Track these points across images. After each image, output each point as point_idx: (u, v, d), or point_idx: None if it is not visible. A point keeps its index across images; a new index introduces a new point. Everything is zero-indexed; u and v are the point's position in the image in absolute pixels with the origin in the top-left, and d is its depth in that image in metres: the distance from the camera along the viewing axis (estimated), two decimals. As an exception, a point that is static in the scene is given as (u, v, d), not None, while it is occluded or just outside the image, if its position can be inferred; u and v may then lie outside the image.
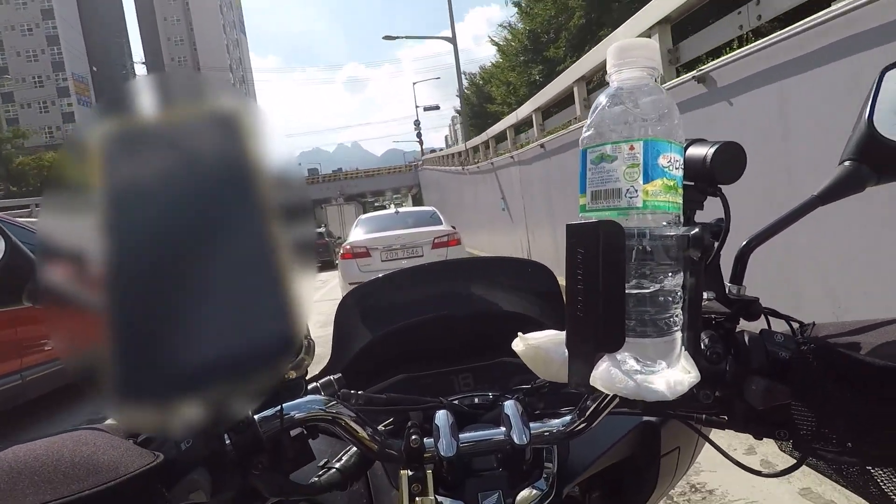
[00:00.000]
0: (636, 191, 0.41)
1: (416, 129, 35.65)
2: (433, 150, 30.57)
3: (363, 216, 8.04)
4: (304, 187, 0.39)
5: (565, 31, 14.21)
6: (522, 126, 10.75)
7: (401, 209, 8.48)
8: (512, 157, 9.59)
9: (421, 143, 35.92)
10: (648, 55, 0.42)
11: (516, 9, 17.19)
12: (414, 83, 36.98)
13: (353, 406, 0.56)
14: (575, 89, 7.06)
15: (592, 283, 0.39)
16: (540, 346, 0.49)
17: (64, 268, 0.36)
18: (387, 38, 18.58)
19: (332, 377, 0.59)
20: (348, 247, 6.64)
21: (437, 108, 38.57)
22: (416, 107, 36.23)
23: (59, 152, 0.37)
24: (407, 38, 20.33)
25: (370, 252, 6.51)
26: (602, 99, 0.43)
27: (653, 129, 0.41)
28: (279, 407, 0.50)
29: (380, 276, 0.89)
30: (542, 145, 7.67)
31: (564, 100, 8.21)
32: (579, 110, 7.09)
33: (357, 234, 6.97)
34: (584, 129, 0.44)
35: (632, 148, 0.41)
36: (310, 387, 0.58)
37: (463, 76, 28.66)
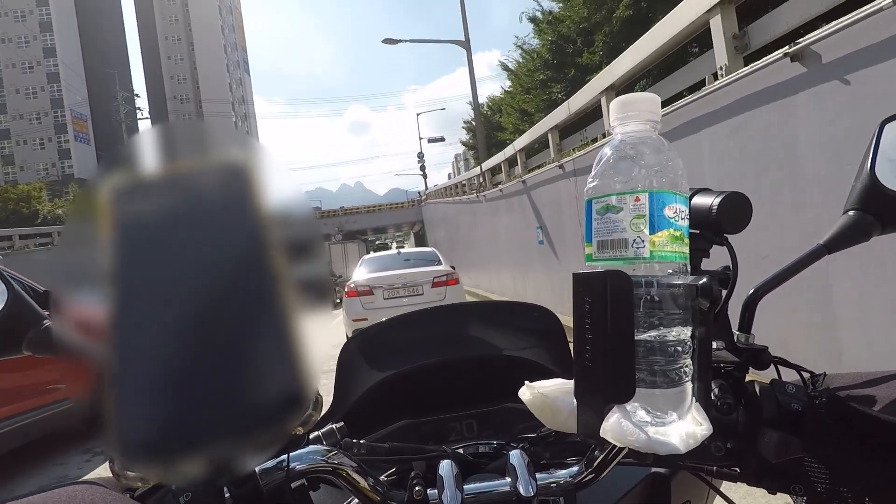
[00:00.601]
0: (643, 241, 0.42)
1: (419, 162, 33.35)
2: (436, 186, 27.30)
3: (367, 256, 8.60)
4: (316, 231, 0.40)
5: (605, 30, 11.74)
6: (570, 127, 8.03)
7: (402, 250, 9.13)
8: (560, 167, 7.32)
9: (424, 175, 33.21)
10: (650, 108, 0.44)
11: (532, 24, 15.12)
12: (418, 114, 35.12)
13: (355, 456, 0.56)
14: (714, 21, 3.86)
15: (601, 333, 0.40)
16: (548, 395, 0.50)
17: (70, 318, 0.37)
18: (387, 41, 16.32)
19: (334, 426, 0.59)
20: (353, 285, 7.06)
21: (443, 139, 35.95)
22: (420, 138, 33.46)
23: (71, 202, 0.39)
24: (412, 41, 17.37)
25: (373, 290, 6.96)
26: (606, 150, 0.45)
27: (657, 181, 0.42)
28: (281, 458, 0.50)
29: (383, 320, 0.90)
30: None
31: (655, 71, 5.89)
32: (720, 61, 3.91)
33: (361, 273, 7.44)
34: (589, 180, 0.45)
35: (637, 199, 0.42)
36: (311, 436, 0.58)
37: (471, 105, 28.38)
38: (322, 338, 0.36)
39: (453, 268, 7.72)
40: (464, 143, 28.63)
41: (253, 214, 0.35)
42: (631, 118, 0.44)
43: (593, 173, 0.45)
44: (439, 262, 7.77)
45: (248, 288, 0.34)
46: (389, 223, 37.29)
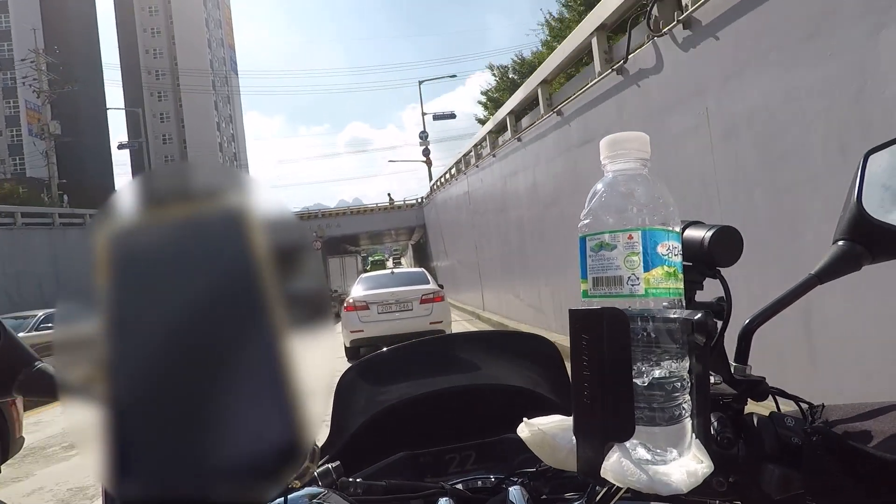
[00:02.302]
0: (637, 278, 0.45)
1: (421, 144, 26.48)
2: (441, 182, 20.07)
3: (364, 275, 10.32)
4: (314, 255, 0.42)
5: None
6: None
7: (396, 270, 10.81)
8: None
9: (429, 162, 26.11)
10: (640, 147, 0.47)
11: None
12: (420, 82, 27.37)
13: (351, 497, 0.59)
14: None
15: (598, 370, 0.42)
16: (546, 432, 0.52)
17: (66, 362, 0.39)
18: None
19: (330, 466, 0.61)
20: (351, 301, 8.62)
21: (453, 116, 27.44)
22: (423, 114, 26.53)
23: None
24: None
25: (369, 306, 8.44)
26: (598, 187, 0.48)
27: (650, 219, 0.45)
28: (277, 501, 0.53)
29: (383, 350, 0.94)
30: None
31: None
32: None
33: (358, 290, 9.04)
34: (582, 217, 0.48)
35: (630, 237, 0.45)
36: None
37: (491, 71, 21.45)
38: (323, 382, 0.37)
39: (441, 286, 9.23)
40: (481, 122, 21.42)
41: (249, 257, 0.37)
42: (620, 156, 0.46)
43: (586, 210, 0.47)
44: (427, 282, 9.28)
45: (246, 334, 0.36)
46: (382, 228, 31.83)
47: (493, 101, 21.14)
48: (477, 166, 12.16)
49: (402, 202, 31.66)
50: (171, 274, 0.38)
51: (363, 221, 31.23)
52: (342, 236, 30.11)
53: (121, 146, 37.80)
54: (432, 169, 26.19)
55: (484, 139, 11.76)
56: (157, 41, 67.64)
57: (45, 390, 0.55)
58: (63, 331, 0.39)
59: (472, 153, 12.99)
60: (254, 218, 0.38)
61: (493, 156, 10.79)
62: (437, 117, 27.71)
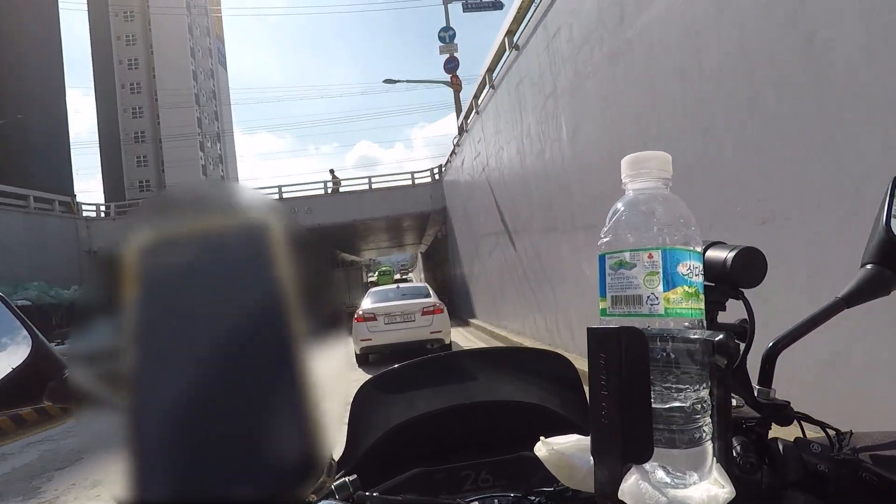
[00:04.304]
0: (657, 298, 0.45)
1: (443, 51, 16.10)
2: (471, 113, 12.56)
3: (372, 290, 11.82)
4: (330, 274, 0.45)
5: None
6: None
7: (401, 285, 12.37)
8: None
9: (456, 84, 16.10)
10: (661, 166, 0.48)
11: None
12: None
13: None
14: None
15: (616, 391, 0.42)
16: (564, 452, 0.54)
17: (91, 371, 0.41)
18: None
19: (347, 479, 0.62)
20: (360, 312, 10.15)
21: (500, 5, 16.53)
22: (447, 1, 16.50)
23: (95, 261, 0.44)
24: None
25: (377, 317, 10.01)
26: (619, 206, 0.48)
27: (670, 238, 0.46)
28: None
29: (396, 366, 0.96)
30: None
31: None
32: None
33: (367, 303, 10.65)
34: (602, 235, 0.48)
35: (650, 256, 0.46)
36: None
37: None
38: (338, 395, 0.39)
39: (440, 300, 10.77)
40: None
41: (273, 273, 0.39)
42: (642, 175, 0.47)
43: (606, 228, 0.48)
44: (429, 296, 10.83)
45: (267, 349, 0.38)
46: (381, 215, 22.10)
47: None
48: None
49: (410, 176, 22.02)
50: (199, 287, 0.40)
51: (350, 205, 21.67)
52: (317, 227, 20.46)
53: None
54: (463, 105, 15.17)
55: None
56: (129, 26, 65.93)
57: (74, 399, 0.58)
58: (85, 341, 0.42)
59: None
60: (276, 233, 0.40)
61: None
62: (469, 7, 16.26)
